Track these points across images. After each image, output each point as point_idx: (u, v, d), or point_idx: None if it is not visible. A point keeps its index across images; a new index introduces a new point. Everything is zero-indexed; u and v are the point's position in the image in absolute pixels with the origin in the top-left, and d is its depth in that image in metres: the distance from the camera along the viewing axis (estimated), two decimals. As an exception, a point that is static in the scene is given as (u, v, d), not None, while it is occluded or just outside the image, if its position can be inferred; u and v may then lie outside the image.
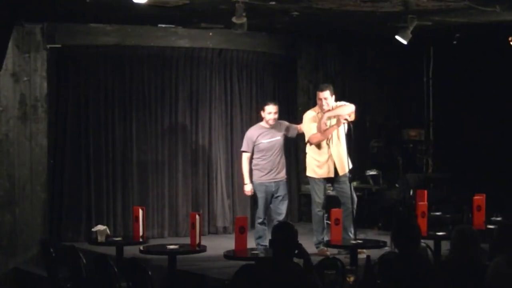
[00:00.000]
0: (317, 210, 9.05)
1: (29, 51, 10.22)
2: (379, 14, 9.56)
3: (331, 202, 9.35)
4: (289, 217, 11.56)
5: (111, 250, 8.36)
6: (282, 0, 8.80)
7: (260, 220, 9.21)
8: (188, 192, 11.03)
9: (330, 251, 8.64)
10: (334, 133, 8.96)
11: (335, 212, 8.40)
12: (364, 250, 8.14)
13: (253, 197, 9.33)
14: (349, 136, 8.98)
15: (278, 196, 9.23)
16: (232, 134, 11.37)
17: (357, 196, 9.52)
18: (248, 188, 9.27)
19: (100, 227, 8.46)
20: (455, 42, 11.87)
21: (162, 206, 10.88)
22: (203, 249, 7.92)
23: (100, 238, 8.35)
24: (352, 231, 8.93)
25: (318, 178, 9.04)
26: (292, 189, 11.90)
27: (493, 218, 8.93)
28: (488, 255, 5.96)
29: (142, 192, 10.76)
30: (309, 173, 9.15)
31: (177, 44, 10.93)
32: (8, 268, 10.10)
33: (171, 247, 8.05)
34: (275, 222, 8.61)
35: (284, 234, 5.47)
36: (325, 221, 9.11)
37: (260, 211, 9.23)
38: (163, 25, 10.76)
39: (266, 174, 9.19)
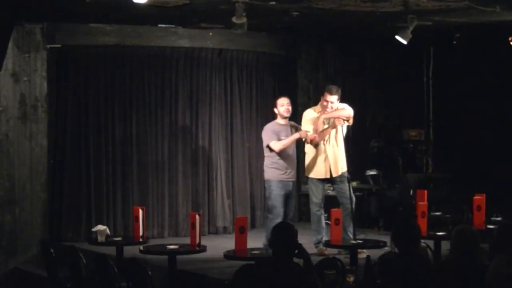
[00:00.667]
0: (315, 210, 9.06)
1: (29, 51, 10.22)
2: (379, 14, 9.56)
3: (330, 202, 9.35)
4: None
5: (111, 250, 8.36)
6: (282, 0, 8.80)
7: (279, 219, 8.82)
8: (188, 192, 11.02)
9: (330, 251, 8.64)
10: (332, 134, 8.97)
11: (335, 212, 8.40)
12: (364, 250, 8.15)
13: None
14: (346, 138, 9.01)
15: (291, 196, 9.21)
16: (232, 134, 11.37)
17: (357, 196, 9.53)
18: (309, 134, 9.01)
19: (100, 227, 8.45)
20: (455, 42, 11.88)
21: (162, 206, 10.88)
22: (203, 249, 7.93)
23: (100, 238, 8.35)
24: (351, 231, 8.94)
25: (315, 178, 9.05)
26: (292, 189, 11.92)
27: (493, 218, 8.94)
28: (488, 255, 5.95)
29: (142, 192, 10.76)
30: (307, 173, 9.16)
31: (177, 44, 10.93)
32: (8, 268, 10.10)
33: (171, 247, 8.04)
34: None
35: (284, 234, 5.47)
36: (324, 221, 9.11)
37: (279, 210, 8.99)
38: (163, 25, 10.76)
39: (284, 173, 9.07)
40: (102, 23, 10.49)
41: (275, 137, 9.05)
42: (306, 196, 9.83)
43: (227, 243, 9.01)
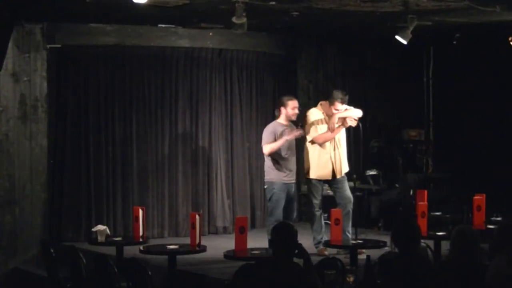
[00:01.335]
0: (314, 210, 9.05)
1: (29, 51, 10.22)
2: (379, 14, 9.56)
3: (330, 202, 9.35)
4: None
5: (111, 250, 8.36)
6: (282, 0, 8.80)
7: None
8: (188, 192, 11.02)
9: (330, 251, 8.64)
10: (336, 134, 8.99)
11: (335, 212, 8.40)
12: (364, 250, 8.14)
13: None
14: (357, 138, 9.02)
15: (294, 198, 9.17)
16: (232, 134, 11.37)
17: (357, 196, 9.53)
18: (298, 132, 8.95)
19: (100, 227, 8.45)
20: (455, 42, 11.88)
21: (162, 206, 10.88)
22: (203, 249, 7.93)
23: (100, 238, 8.35)
24: (350, 231, 8.94)
25: (316, 180, 9.05)
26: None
27: (493, 218, 8.94)
28: (488, 255, 5.95)
29: (142, 192, 10.76)
30: (308, 174, 9.12)
31: (177, 44, 10.93)
32: (8, 268, 10.10)
33: (171, 247, 8.05)
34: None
35: (284, 234, 5.47)
36: (324, 221, 9.11)
37: (280, 213, 8.92)
38: (163, 25, 10.76)
39: (287, 175, 9.00)
40: (102, 23, 10.48)
41: (272, 139, 8.95)
42: (306, 196, 9.83)
43: (227, 243, 9.01)
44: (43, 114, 10.34)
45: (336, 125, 8.94)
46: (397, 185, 11.54)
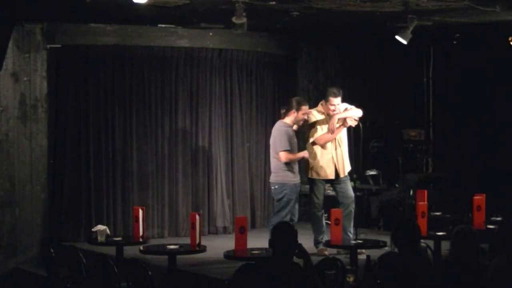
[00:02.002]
0: (315, 210, 9.05)
1: (29, 51, 10.22)
2: (379, 14, 9.57)
3: (330, 202, 9.35)
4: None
5: (111, 250, 8.36)
6: (282, 0, 8.80)
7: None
8: (188, 192, 11.02)
9: (330, 251, 8.64)
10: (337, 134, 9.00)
11: (335, 212, 8.40)
12: (364, 250, 8.14)
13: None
14: (357, 138, 9.02)
15: (298, 199, 9.17)
16: (232, 134, 11.36)
17: (357, 196, 9.53)
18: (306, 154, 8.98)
19: (100, 227, 8.46)
20: (455, 42, 11.88)
21: (162, 206, 10.87)
22: (203, 249, 7.93)
23: (100, 238, 8.35)
24: (351, 231, 8.94)
25: (318, 179, 9.05)
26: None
27: (493, 218, 8.94)
28: (488, 255, 5.95)
29: (142, 192, 10.75)
30: (310, 174, 9.11)
31: (177, 44, 10.93)
32: (8, 268, 10.10)
33: (171, 247, 8.05)
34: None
35: (284, 234, 5.47)
36: (325, 221, 9.11)
37: (286, 214, 8.91)
38: (163, 25, 10.76)
39: (295, 175, 8.99)
40: (102, 23, 10.48)
41: (288, 145, 8.92)
42: (307, 196, 9.83)
43: (227, 243, 9.02)
44: (43, 114, 10.34)
45: (337, 125, 8.94)
46: (397, 185, 11.53)
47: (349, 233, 8.89)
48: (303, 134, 9.40)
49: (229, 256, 7.75)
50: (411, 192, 10.93)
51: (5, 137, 10.12)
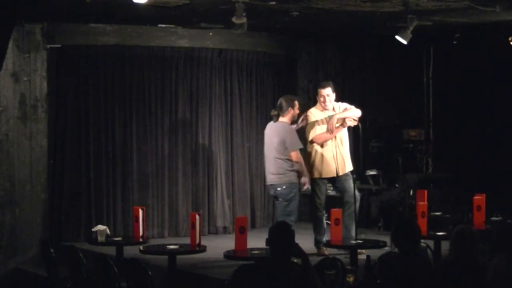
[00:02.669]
0: (316, 210, 9.05)
1: (29, 51, 10.22)
2: (379, 14, 9.57)
3: (330, 202, 9.35)
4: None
5: (111, 250, 8.36)
6: (282, 0, 8.80)
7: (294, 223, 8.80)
8: (188, 192, 11.02)
9: (330, 251, 8.64)
10: (337, 133, 9.00)
11: (335, 212, 8.40)
12: (364, 250, 8.14)
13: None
14: (357, 138, 9.03)
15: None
16: (232, 134, 11.36)
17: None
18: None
19: (100, 227, 8.45)
20: (455, 42, 11.88)
21: (162, 206, 10.87)
22: (203, 249, 7.93)
23: (100, 238, 8.35)
24: (354, 230, 8.93)
25: (319, 178, 9.04)
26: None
27: (493, 218, 8.93)
28: (488, 255, 5.95)
29: (142, 192, 10.75)
30: (312, 174, 9.11)
31: (177, 44, 10.93)
32: (8, 268, 10.10)
33: (171, 247, 8.05)
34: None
35: (281, 235, 5.47)
36: (325, 222, 9.11)
37: (296, 213, 8.99)
38: (163, 25, 10.76)
39: (296, 176, 9.02)
40: (102, 23, 10.48)
41: (301, 144, 8.99)
42: (306, 196, 9.83)
43: (227, 243, 9.02)
44: (43, 114, 10.34)
45: (336, 125, 8.95)
46: (397, 185, 11.53)
47: (351, 232, 8.86)
48: (302, 134, 9.39)
49: (229, 256, 7.75)
50: (411, 192, 10.92)
51: (5, 137, 10.12)
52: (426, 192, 9.05)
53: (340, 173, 8.99)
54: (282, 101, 9.09)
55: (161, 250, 8.18)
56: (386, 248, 8.00)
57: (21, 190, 10.20)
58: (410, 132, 12.74)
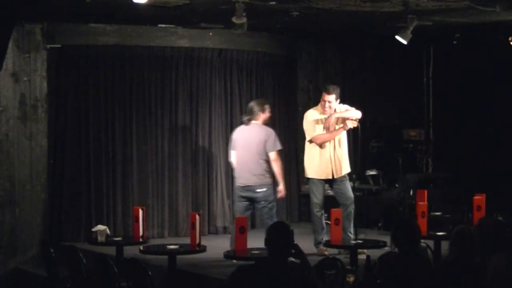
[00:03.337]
0: (315, 210, 9.05)
1: (29, 51, 10.22)
2: (379, 14, 9.56)
3: (330, 202, 9.35)
4: (288, 217, 11.61)
5: (111, 250, 8.36)
6: (282, 0, 8.80)
7: None
8: (188, 192, 11.02)
9: (330, 251, 8.64)
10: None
11: (335, 212, 8.40)
12: (364, 250, 8.14)
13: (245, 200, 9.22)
14: (356, 138, 9.02)
15: None
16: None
17: (357, 196, 9.52)
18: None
19: (100, 227, 8.45)
20: (455, 42, 11.88)
21: (162, 206, 10.88)
22: (203, 249, 7.93)
23: (100, 238, 8.35)
24: (352, 231, 8.94)
25: (317, 179, 9.04)
26: (292, 189, 11.91)
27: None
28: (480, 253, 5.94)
29: (142, 192, 10.76)
30: (308, 173, 9.13)
31: (177, 44, 10.93)
32: (8, 268, 10.10)
33: (171, 247, 8.05)
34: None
35: (280, 234, 5.46)
36: (324, 221, 9.11)
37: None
38: (163, 25, 10.76)
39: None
40: (102, 23, 10.48)
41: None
42: (306, 196, 9.83)
43: (227, 243, 9.03)
44: (43, 114, 10.34)
45: (337, 127, 8.94)
46: (397, 185, 11.53)
47: (349, 234, 8.89)
48: (302, 134, 9.39)
49: (229, 256, 7.75)
50: (411, 192, 10.92)
51: (5, 137, 10.12)
52: (426, 192, 9.04)
53: (336, 176, 8.99)
54: (253, 105, 9.22)
55: (161, 250, 8.18)
56: (386, 248, 8.00)
57: (21, 190, 10.20)
58: (410, 132, 12.74)
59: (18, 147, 10.19)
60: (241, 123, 9.34)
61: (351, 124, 8.88)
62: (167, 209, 10.90)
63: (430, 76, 13.08)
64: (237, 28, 8.77)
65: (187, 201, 11.00)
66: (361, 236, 9.27)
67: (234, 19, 8.65)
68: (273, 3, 8.86)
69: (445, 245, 7.71)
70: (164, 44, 10.87)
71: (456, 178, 11.62)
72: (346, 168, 9.06)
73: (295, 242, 5.46)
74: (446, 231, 8.40)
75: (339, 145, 9.02)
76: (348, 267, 6.43)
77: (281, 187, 9.05)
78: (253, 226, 11.23)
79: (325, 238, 8.87)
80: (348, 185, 9.06)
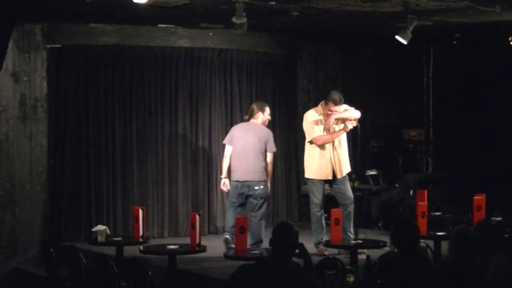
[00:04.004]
0: (315, 210, 9.05)
1: (29, 51, 10.22)
2: (379, 14, 9.57)
3: (330, 202, 9.35)
4: (289, 217, 11.61)
5: (111, 250, 8.36)
6: (282, 0, 8.80)
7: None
8: (188, 192, 11.02)
9: (330, 251, 8.64)
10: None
11: (335, 212, 8.40)
12: (364, 250, 8.14)
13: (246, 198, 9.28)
14: (355, 138, 9.02)
15: None
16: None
17: (357, 196, 9.52)
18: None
19: (100, 227, 8.46)
20: (455, 42, 11.88)
21: (162, 206, 10.87)
22: (203, 249, 7.93)
23: (100, 238, 8.35)
24: (352, 232, 8.94)
25: (316, 179, 9.04)
26: (292, 189, 11.91)
27: (493, 218, 8.93)
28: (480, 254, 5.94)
29: (142, 192, 10.75)
30: (307, 174, 9.14)
31: (177, 44, 10.93)
32: (8, 268, 10.10)
33: (171, 247, 8.05)
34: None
35: (284, 235, 5.47)
36: (324, 221, 9.11)
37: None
38: (163, 25, 10.76)
39: None
40: (102, 23, 10.48)
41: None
42: (306, 196, 9.83)
43: (227, 243, 9.03)
44: (43, 114, 10.34)
45: (337, 127, 8.93)
46: (397, 185, 11.53)
47: (349, 234, 8.89)
48: (302, 134, 9.39)
49: (229, 256, 7.75)
50: (411, 192, 10.93)
51: (5, 137, 10.12)
52: (426, 192, 9.04)
53: (337, 177, 8.99)
54: (253, 106, 9.46)
55: (161, 250, 8.18)
56: (386, 248, 8.00)
57: (21, 190, 10.20)
58: (410, 132, 12.74)
59: (18, 147, 10.19)
60: (242, 121, 9.41)
61: (351, 125, 8.88)
62: (167, 209, 10.90)
63: (430, 76, 13.08)
64: (237, 28, 8.77)
65: (187, 201, 11.00)
66: (361, 236, 9.27)
67: (234, 19, 8.65)
68: (273, 3, 8.86)
69: (445, 245, 7.71)
70: (164, 44, 10.87)
71: (456, 178, 11.62)
72: (346, 169, 9.07)
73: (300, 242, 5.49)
74: (446, 231, 8.40)
75: (340, 146, 9.02)
76: (348, 267, 6.43)
77: (268, 184, 9.27)
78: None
79: (325, 238, 8.87)
80: (348, 185, 9.06)
